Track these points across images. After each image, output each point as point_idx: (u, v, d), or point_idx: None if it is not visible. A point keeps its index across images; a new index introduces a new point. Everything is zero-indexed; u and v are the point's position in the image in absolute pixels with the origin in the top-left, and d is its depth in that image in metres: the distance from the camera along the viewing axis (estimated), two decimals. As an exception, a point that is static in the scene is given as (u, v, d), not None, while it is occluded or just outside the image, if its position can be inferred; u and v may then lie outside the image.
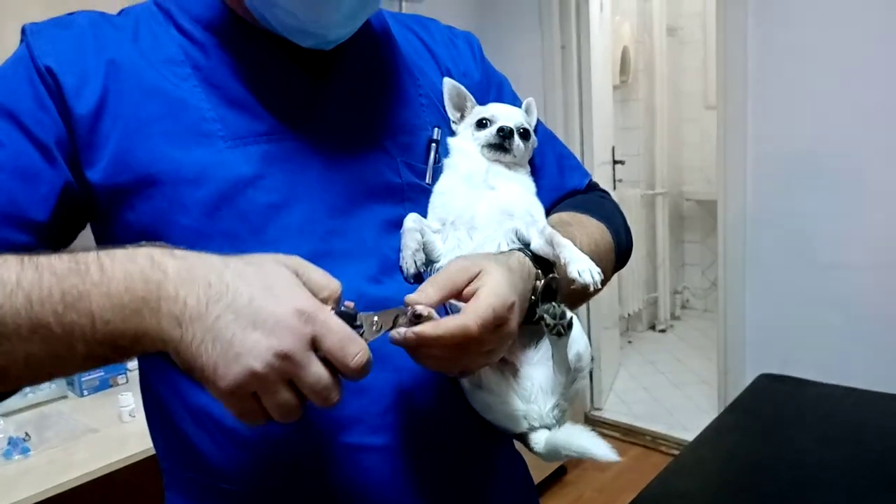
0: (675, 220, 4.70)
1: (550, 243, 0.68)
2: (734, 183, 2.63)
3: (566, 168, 0.90)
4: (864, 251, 2.38)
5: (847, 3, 2.28)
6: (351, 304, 0.56)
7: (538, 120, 0.86)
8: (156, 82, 0.67)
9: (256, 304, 0.51)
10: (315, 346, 0.51)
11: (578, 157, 3.16)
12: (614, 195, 3.74)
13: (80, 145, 0.65)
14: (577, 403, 3.01)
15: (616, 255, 0.84)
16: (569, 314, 0.65)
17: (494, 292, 0.59)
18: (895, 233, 2.30)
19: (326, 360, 0.52)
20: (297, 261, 0.56)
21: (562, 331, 0.64)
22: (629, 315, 4.36)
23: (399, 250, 0.72)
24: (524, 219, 0.72)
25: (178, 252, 0.54)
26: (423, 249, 0.71)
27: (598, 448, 0.66)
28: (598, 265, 0.68)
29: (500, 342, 0.61)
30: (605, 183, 3.53)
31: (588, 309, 3.38)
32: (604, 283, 0.83)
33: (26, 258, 0.54)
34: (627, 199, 4.11)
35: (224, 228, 0.65)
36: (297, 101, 0.71)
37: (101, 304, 0.51)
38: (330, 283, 0.56)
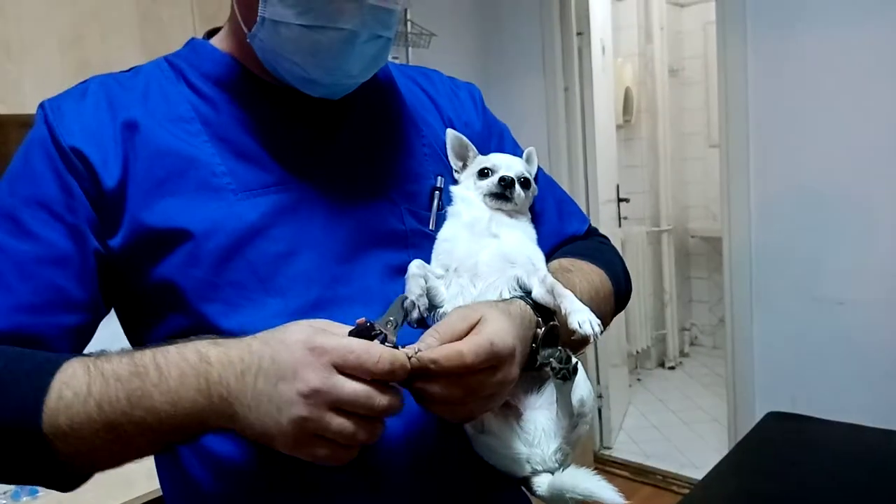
0: (682, 256, 4.71)
1: (552, 293, 0.70)
2: (738, 220, 2.65)
3: (566, 214, 0.92)
4: (870, 287, 2.38)
5: (847, 42, 2.32)
6: (363, 320, 0.58)
7: (539, 167, 0.89)
8: (167, 141, 0.70)
9: (277, 360, 0.55)
10: (339, 370, 0.55)
11: (583, 195, 3.22)
12: (620, 233, 3.80)
13: (105, 217, 0.68)
14: (586, 443, 2.99)
15: (616, 300, 0.86)
16: (574, 359, 0.66)
17: (495, 331, 0.61)
18: (901, 268, 2.31)
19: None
20: (326, 322, 0.60)
21: (567, 375, 0.66)
22: (638, 352, 4.33)
23: None
24: (526, 267, 0.74)
25: (221, 340, 0.60)
26: (427, 295, 0.72)
27: (604, 490, 0.67)
28: (597, 313, 0.70)
29: (501, 387, 0.62)
30: (610, 220, 3.57)
31: (596, 347, 3.37)
32: (605, 328, 0.85)
33: (91, 366, 0.59)
34: (633, 237, 4.12)
35: (233, 279, 0.68)
36: (305, 151, 0.74)
37: (161, 401, 0.57)
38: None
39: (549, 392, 0.71)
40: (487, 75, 3.31)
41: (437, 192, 0.80)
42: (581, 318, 0.67)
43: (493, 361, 0.60)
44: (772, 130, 2.54)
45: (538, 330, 0.68)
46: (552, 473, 0.70)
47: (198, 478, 0.71)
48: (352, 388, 0.55)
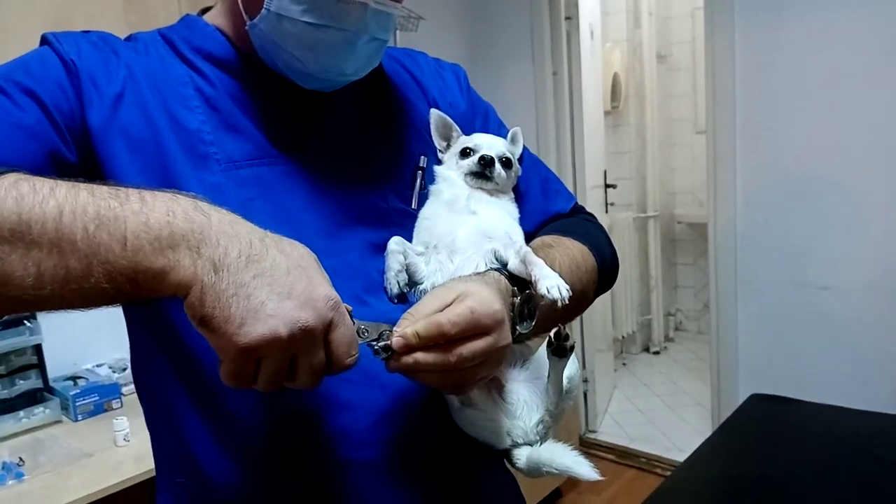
0: (668, 242, 4.74)
1: (524, 261, 0.70)
2: (724, 207, 2.67)
3: (551, 192, 0.92)
4: (854, 273, 2.41)
5: (835, 28, 2.33)
6: (350, 309, 0.58)
7: (524, 146, 0.89)
8: (164, 97, 0.70)
9: (293, 278, 0.53)
10: (326, 332, 0.54)
11: (570, 181, 3.23)
12: (606, 218, 3.81)
13: (77, 138, 0.67)
14: (571, 425, 3.02)
15: (600, 276, 0.86)
16: (572, 338, 0.68)
17: (477, 299, 0.62)
18: (884, 254, 2.34)
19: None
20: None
21: (564, 352, 0.66)
22: (623, 337, 4.37)
23: (384, 272, 0.74)
24: (503, 241, 0.74)
25: (222, 208, 0.55)
26: (407, 271, 0.73)
27: (580, 466, 0.67)
28: (577, 286, 0.70)
29: (493, 353, 0.62)
30: (597, 206, 3.58)
31: (582, 331, 3.39)
32: (588, 303, 0.86)
33: (64, 178, 0.54)
34: (620, 223, 4.14)
35: None
36: (291, 129, 0.74)
37: (136, 231, 0.50)
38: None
39: (534, 366, 0.71)
40: (476, 60, 3.29)
41: (420, 171, 0.81)
42: (549, 284, 0.67)
43: (476, 328, 0.60)
44: (759, 117, 2.56)
45: (514, 299, 0.69)
46: (531, 446, 0.71)
47: (193, 444, 0.71)
48: (321, 356, 0.54)
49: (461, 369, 0.61)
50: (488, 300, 0.62)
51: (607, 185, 3.78)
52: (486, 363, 0.62)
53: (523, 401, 0.70)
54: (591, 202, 3.40)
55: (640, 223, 4.43)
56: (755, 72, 2.54)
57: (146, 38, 0.76)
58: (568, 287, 0.68)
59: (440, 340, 0.59)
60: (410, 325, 0.60)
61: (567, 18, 3.14)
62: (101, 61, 0.69)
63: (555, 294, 0.67)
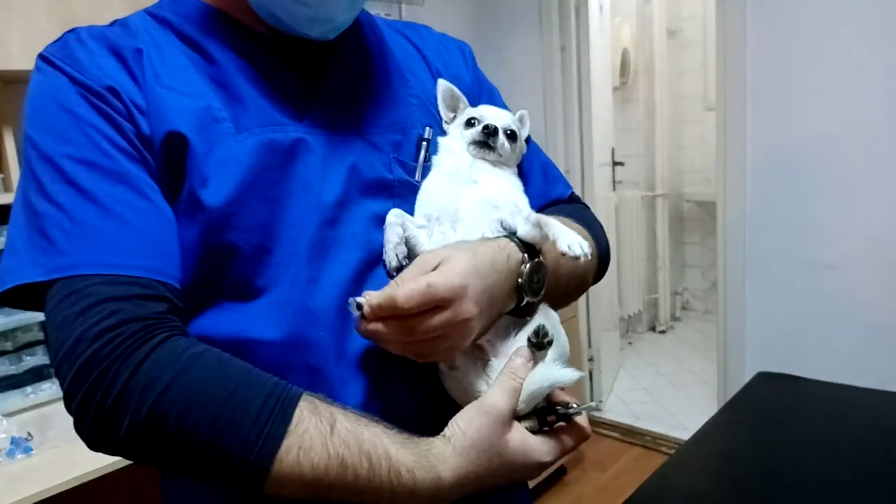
0: (676, 221, 4.71)
1: (538, 225, 0.69)
2: (734, 185, 2.64)
3: (550, 178, 0.91)
4: (861, 251, 2.39)
5: (845, 7, 2.29)
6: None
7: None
8: (170, 81, 0.68)
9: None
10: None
11: (577, 158, 3.20)
12: (614, 196, 3.78)
13: (144, 143, 0.66)
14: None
15: (597, 263, 0.86)
16: (550, 334, 0.67)
17: (443, 271, 0.61)
18: (890, 234, 2.31)
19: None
20: None
21: (541, 346, 0.67)
22: (629, 316, 4.37)
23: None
24: (509, 208, 0.73)
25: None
26: (407, 244, 0.72)
27: (561, 374, 0.67)
28: (580, 268, 0.70)
29: (454, 326, 0.62)
30: (605, 184, 3.55)
31: (588, 310, 3.39)
32: (587, 287, 0.86)
33: (328, 442, 0.58)
34: (627, 201, 4.12)
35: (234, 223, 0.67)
36: (293, 98, 0.73)
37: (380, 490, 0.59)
38: None
39: (521, 340, 0.70)
40: (482, 34, 3.25)
41: (424, 142, 0.79)
42: (570, 241, 0.66)
43: (432, 303, 0.60)
44: (769, 94, 2.52)
45: (523, 267, 0.68)
46: None
47: None
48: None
49: (419, 341, 0.62)
50: (454, 274, 0.61)
51: (615, 163, 3.76)
52: (446, 336, 0.62)
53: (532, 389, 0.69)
54: (599, 180, 3.38)
55: (648, 201, 4.40)
56: (767, 48, 2.49)
57: (137, 21, 0.72)
58: (589, 244, 0.67)
59: (396, 314, 0.60)
60: (378, 294, 0.61)
61: (576, -8, 3.09)
62: (123, 73, 0.67)
63: (577, 250, 0.66)
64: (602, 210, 3.46)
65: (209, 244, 0.66)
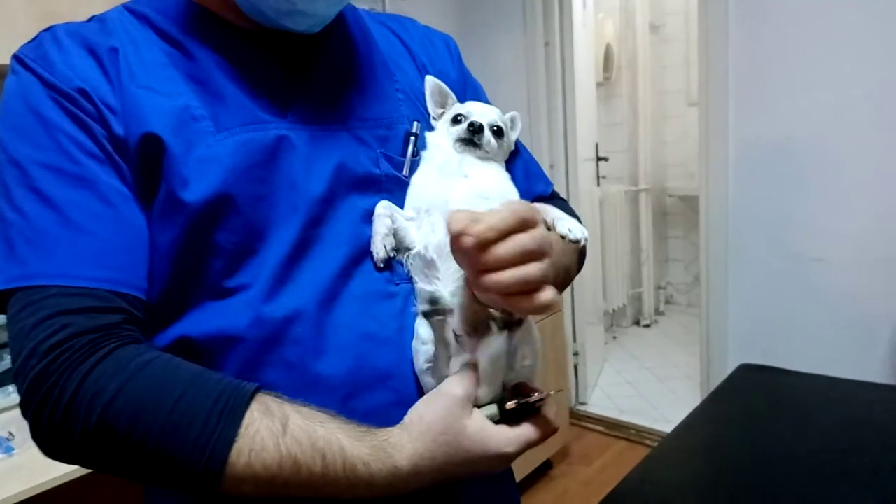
0: (659, 216, 4.74)
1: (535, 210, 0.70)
2: (716, 179, 2.66)
3: (532, 175, 0.92)
4: (845, 244, 2.42)
5: (827, 2, 2.31)
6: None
7: None
8: (147, 80, 0.67)
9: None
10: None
11: (562, 154, 3.21)
12: (598, 191, 3.80)
13: (117, 146, 0.66)
14: (561, 398, 3.03)
15: (578, 256, 0.86)
16: (448, 301, 0.66)
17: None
18: (873, 227, 2.34)
19: None
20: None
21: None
22: (614, 311, 4.39)
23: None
24: (499, 199, 0.73)
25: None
26: (396, 236, 0.72)
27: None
28: (563, 256, 0.70)
29: (542, 249, 0.59)
30: (589, 179, 3.57)
31: (573, 304, 3.40)
32: (571, 279, 0.86)
33: (280, 442, 0.58)
34: (611, 196, 4.13)
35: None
36: (279, 94, 0.72)
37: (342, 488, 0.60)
38: None
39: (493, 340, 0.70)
40: (466, 28, 3.25)
41: (412, 137, 0.79)
42: (570, 225, 0.68)
43: (519, 220, 0.58)
44: (751, 89, 2.53)
45: None
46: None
47: None
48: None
49: (524, 265, 0.58)
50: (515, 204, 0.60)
51: (599, 158, 3.77)
52: (538, 259, 0.59)
53: (490, 369, 0.68)
54: (583, 175, 3.39)
55: (632, 196, 4.43)
56: (748, 44, 2.51)
57: (114, 17, 0.71)
58: (584, 229, 0.67)
59: (517, 223, 0.57)
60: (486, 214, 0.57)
61: (559, -13, 3.10)
62: (97, 72, 0.66)
63: (577, 234, 0.68)
64: (586, 204, 3.47)
65: (190, 244, 0.65)
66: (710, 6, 2.55)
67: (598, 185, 3.86)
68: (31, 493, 1.34)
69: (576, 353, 3.48)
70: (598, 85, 3.98)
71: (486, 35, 3.22)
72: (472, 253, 0.57)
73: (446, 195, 0.73)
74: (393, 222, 0.72)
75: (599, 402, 3.55)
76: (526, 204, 0.61)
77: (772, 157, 2.53)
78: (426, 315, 0.64)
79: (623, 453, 3.08)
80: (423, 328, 0.69)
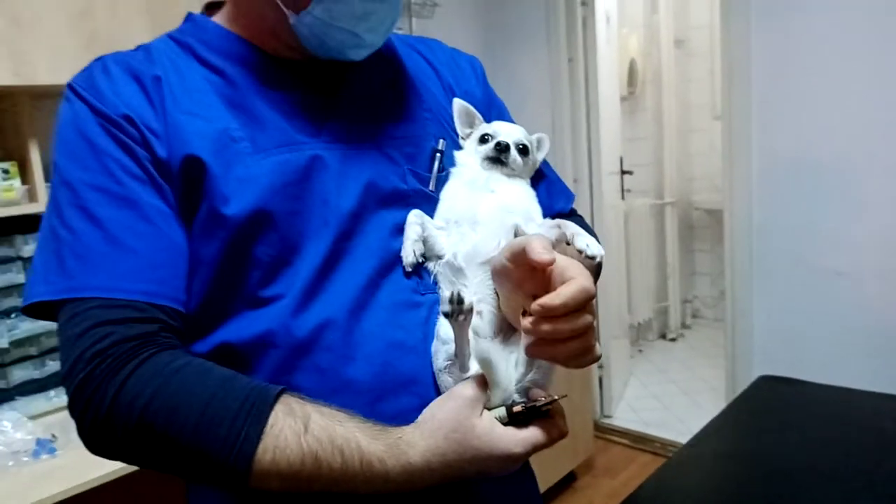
0: (685, 229, 4.73)
1: (557, 226, 0.75)
2: (740, 193, 2.68)
3: (554, 192, 0.95)
4: (867, 258, 2.41)
5: (848, 15, 2.32)
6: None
7: None
8: (189, 105, 0.73)
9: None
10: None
11: (586, 168, 3.25)
12: (623, 205, 3.82)
13: (160, 168, 0.71)
14: (586, 411, 3.04)
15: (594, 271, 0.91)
16: (468, 301, 0.67)
17: (585, 276, 0.63)
18: (894, 240, 2.33)
19: None
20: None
21: (451, 314, 0.67)
22: (639, 324, 4.38)
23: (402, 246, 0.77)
24: (524, 215, 0.78)
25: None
26: (425, 244, 0.77)
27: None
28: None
29: (591, 327, 0.64)
30: (613, 192, 3.59)
31: (597, 319, 3.42)
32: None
33: (302, 440, 0.62)
34: (636, 209, 4.14)
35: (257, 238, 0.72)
36: (313, 117, 0.77)
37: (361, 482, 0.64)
38: None
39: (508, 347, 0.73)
40: (491, 46, 3.31)
41: (438, 154, 0.83)
42: (588, 241, 0.72)
43: (585, 302, 0.62)
44: (775, 102, 2.55)
45: None
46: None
47: None
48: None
49: (577, 338, 0.63)
50: (589, 281, 0.63)
51: (623, 172, 3.79)
52: (588, 335, 0.64)
53: (502, 373, 0.70)
54: (608, 189, 3.42)
55: (657, 210, 4.43)
56: (771, 58, 2.53)
57: (158, 45, 0.78)
58: (599, 246, 0.72)
59: (558, 313, 0.61)
60: (553, 297, 0.61)
61: (583, 4, 3.14)
62: (142, 99, 0.72)
63: (594, 251, 0.71)
64: (611, 218, 3.49)
65: (231, 257, 0.71)
66: (733, 21, 2.57)
67: (623, 198, 3.88)
68: (73, 492, 1.41)
69: (600, 366, 3.49)
70: (623, 99, 4.01)
71: (510, 52, 3.28)
72: (536, 315, 0.61)
73: (475, 208, 0.78)
74: (423, 230, 0.77)
75: (624, 415, 3.55)
76: (590, 279, 0.64)
77: (796, 171, 2.54)
78: (447, 315, 0.67)
79: (648, 466, 3.08)
80: (443, 328, 0.73)
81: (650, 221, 4.34)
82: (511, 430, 0.65)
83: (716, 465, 1.13)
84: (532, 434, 0.66)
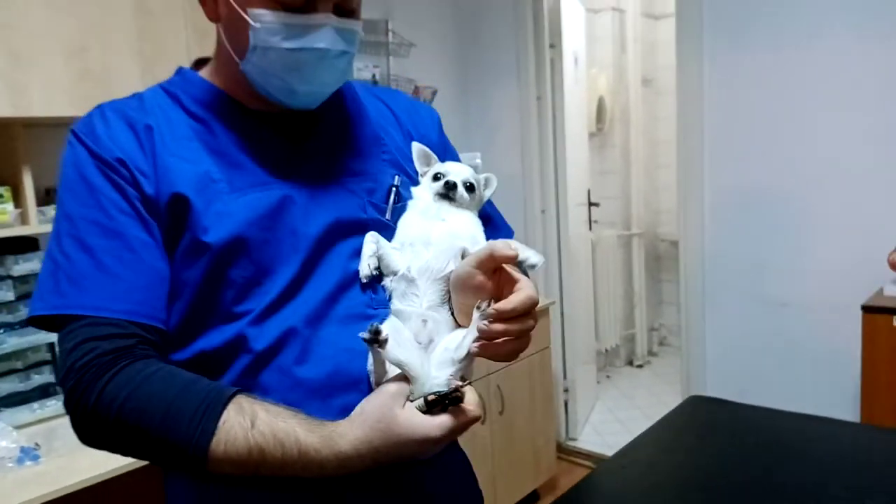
0: (652, 260, 4.91)
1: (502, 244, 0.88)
2: (693, 226, 2.86)
3: (495, 227, 1.09)
4: (810, 289, 2.60)
5: (796, 56, 2.53)
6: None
7: None
8: (174, 153, 0.86)
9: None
10: None
11: (553, 198, 3.43)
12: (591, 235, 3.97)
13: (148, 205, 0.84)
14: (550, 431, 3.17)
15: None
16: (384, 333, 0.78)
17: (531, 286, 0.80)
18: (837, 272, 2.51)
19: None
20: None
21: (374, 345, 0.79)
22: (607, 350, 4.53)
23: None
24: (470, 240, 0.92)
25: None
26: (382, 262, 0.90)
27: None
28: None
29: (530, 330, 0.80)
30: (581, 223, 3.76)
31: (563, 342, 3.56)
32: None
33: (250, 435, 0.74)
34: (604, 239, 4.32)
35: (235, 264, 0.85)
36: (283, 159, 0.91)
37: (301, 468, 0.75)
38: None
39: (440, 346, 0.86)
40: (465, 83, 3.49)
41: (394, 188, 0.97)
42: (529, 253, 0.84)
43: (531, 308, 0.79)
44: (724, 142, 2.75)
45: None
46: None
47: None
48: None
49: (520, 340, 0.79)
50: (535, 289, 0.80)
51: (591, 204, 3.97)
52: (527, 337, 0.80)
53: (418, 371, 0.81)
54: (575, 219, 3.58)
55: (625, 240, 4.61)
56: (722, 97, 2.73)
57: (150, 95, 0.91)
58: (540, 256, 0.86)
59: (511, 315, 0.77)
60: (505, 303, 0.77)
61: (551, 46, 3.34)
62: (134, 143, 0.85)
63: (534, 259, 0.84)
64: (578, 247, 3.66)
65: (209, 279, 0.84)
66: (685, 63, 2.79)
67: (591, 229, 4.05)
68: (55, 495, 1.51)
69: (566, 390, 3.62)
70: (592, 135, 4.20)
71: (483, 89, 3.46)
72: (490, 318, 0.77)
73: (428, 233, 0.91)
74: (378, 248, 0.90)
75: (589, 439, 3.67)
76: (535, 291, 0.80)
77: (745, 205, 2.73)
78: (366, 341, 0.79)
79: (608, 487, 3.19)
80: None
81: (618, 251, 4.52)
82: (428, 417, 0.77)
83: (636, 473, 1.27)
84: (446, 419, 0.76)
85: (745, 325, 2.78)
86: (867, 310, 2.17)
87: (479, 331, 0.77)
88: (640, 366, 4.76)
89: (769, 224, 2.67)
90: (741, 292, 2.78)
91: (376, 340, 0.77)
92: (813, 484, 1.17)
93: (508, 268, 0.81)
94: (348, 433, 0.76)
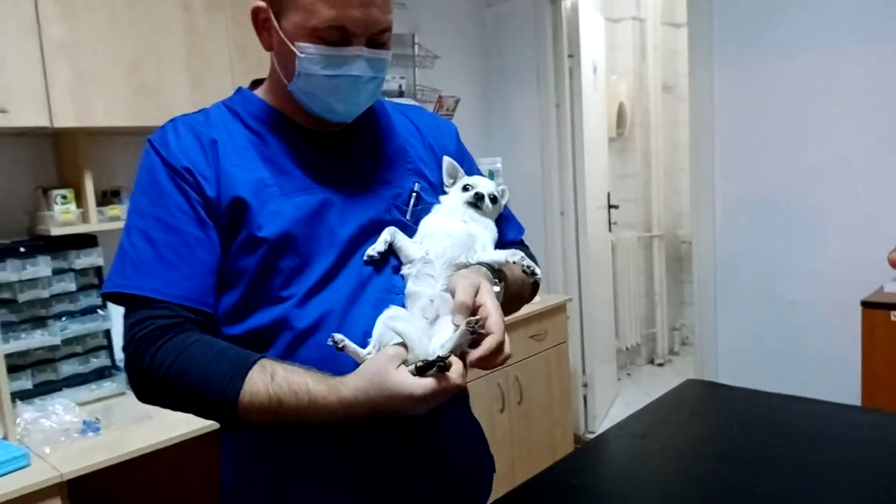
0: (674, 261, 5.01)
1: (513, 252, 1.06)
2: (705, 227, 2.98)
3: (509, 227, 1.25)
4: (817, 288, 2.70)
5: (804, 65, 2.65)
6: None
7: None
8: (234, 161, 1.02)
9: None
10: None
11: (571, 201, 3.57)
12: (610, 236, 4.10)
13: (210, 208, 1.00)
14: (567, 423, 3.31)
15: (532, 287, 1.20)
16: (341, 343, 0.94)
17: (498, 312, 0.94)
18: (842, 271, 2.62)
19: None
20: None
21: (339, 350, 0.94)
22: (628, 348, 4.64)
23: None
24: (480, 244, 1.09)
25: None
26: (400, 252, 1.05)
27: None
28: (512, 285, 1.08)
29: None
30: (600, 225, 3.89)
31: (582, 339, 3.70)
32: (525, 302, 1.21)
33: (270, 388, 0.90)
34: (624, 241, 4.44)
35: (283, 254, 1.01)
36: (323, 168, 1.07)
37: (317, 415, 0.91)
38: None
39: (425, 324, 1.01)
40: (487, 92, 3.66)
41: (415, 193, 1.13)
42: (530, 262, 1.00)
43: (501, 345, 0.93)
44: (735, 148, 2.86)
45: (498, 289, 1.03)
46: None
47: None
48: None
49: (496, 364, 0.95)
50: (502, 325, 0.94)
51: (610, 206, 4.09)
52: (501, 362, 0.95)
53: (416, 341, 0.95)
54: (595, 221, 3.72)
55: (646, 242, 4.72)
56: (732, 105, 2.85)
57: (215, 112, 1.07)
58: (536, 266, 1.02)
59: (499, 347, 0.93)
60: (480, 350, 0.91)
61: (570, 56, 3.48)
62: (200, 154, 1.00)
63: (535, 270, 1.01)
64: (597, 248, 3.79)
65: (262, 268, 1.00)
66: (697, 72, 2.91)
67: (610, 230, 4.17)
68: (115, 461, 1.71)
69: (585, 385, 3.75)
70: (612, 140, 4.33)
71: (504, 97, 3.63)
72: (470, 362, 0.92)
73: (450, 228, 1.08)
74: (391, 237, 1.06)
75: (607, 433, 3.79)
76: (503, 329, 0.93)
77: (755, 209, 2.84)
78: (334, 347, 0.94)
79: (624, 478, 3.31)
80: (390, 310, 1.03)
81: (639, 253, 4.63)
82: (416, 378, 0.88)
83: (623, 448, 1.41)
84: (430, 381, 0.88)
85: (756, 322, 2.89)
86: (866, 305, 2.28)
87: (464, 338, 0.92)
88: (661, 364, 4.86)
89: (778, 226, 2.78)
90: (751, 291, 2.89)
91: (337, 347, 0.94)
92: (793, 453, 1.28)
93: (488, 303, 0.95)
94: (350, 383, 0.91)
